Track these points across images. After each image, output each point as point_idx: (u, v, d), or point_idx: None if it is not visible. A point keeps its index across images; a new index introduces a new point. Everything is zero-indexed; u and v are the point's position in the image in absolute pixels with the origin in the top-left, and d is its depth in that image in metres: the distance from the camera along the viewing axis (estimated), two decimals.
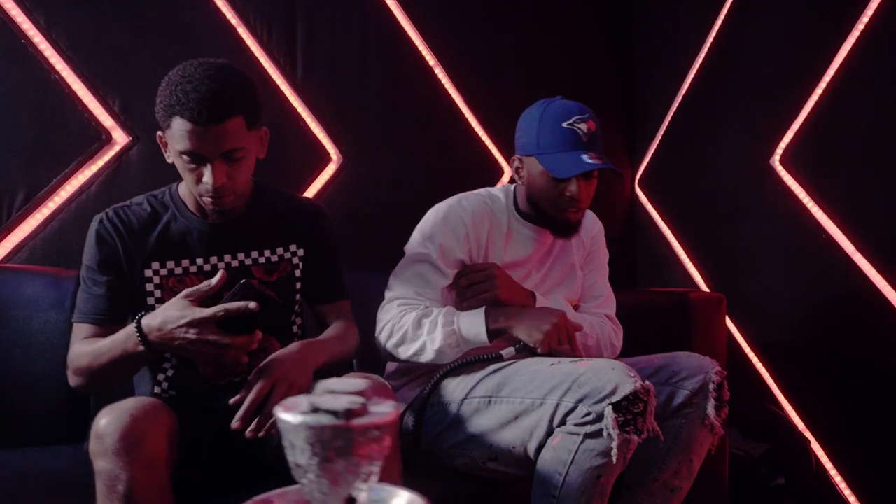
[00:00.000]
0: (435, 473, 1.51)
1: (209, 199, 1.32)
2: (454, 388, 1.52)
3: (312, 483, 0.52)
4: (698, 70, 2.54)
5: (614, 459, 1.31)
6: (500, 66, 2.55)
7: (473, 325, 1.49)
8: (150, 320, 1.20)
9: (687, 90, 2.58)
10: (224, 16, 2.15)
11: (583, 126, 1.57)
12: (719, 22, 2.45)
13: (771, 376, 2.28)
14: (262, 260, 1.44)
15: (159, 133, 1.33)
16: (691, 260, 2.58)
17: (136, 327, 1.21)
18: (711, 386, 1.49)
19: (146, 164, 2.02)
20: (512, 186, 1.75)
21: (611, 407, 1.30)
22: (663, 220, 2.69)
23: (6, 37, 1.90)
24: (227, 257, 1.41)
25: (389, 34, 2.39)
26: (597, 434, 1.32)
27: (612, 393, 1.31)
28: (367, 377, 1.27)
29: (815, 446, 2.13)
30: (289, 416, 0.52)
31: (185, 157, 1.28)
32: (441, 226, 1.61)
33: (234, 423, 1.21)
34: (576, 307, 1.72)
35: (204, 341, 1.17)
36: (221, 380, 1.42)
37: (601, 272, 1.81)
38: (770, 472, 2.12)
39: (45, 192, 1.94)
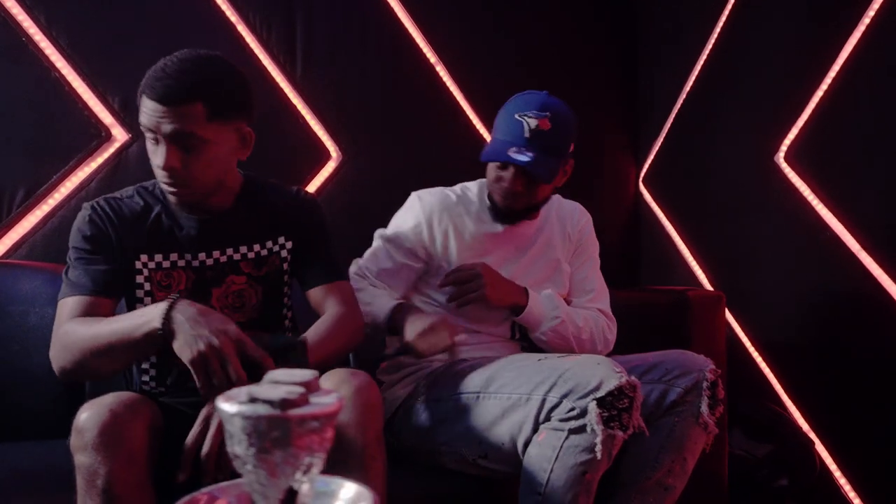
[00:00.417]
0: (425, 472, 1.50)
1: (164, 185, 1.32)
2: (444, 385, 1.51)
3: (251, 474, 0.51)
4: (702, 67, 2.51)
5: (598, 455, 1.30)
6: (502, 64, 2.53)
7: (383, 307, 1.55)
8: (190, 304, 1.17)
9: (691, 88, 2.56)
10: (224, 13, 2.16)
11: (532, 121, 1.55)
12: (723, 19, 2.42)
13: (774, 375, 2.25)
14: (251, 255, 1.43)
15: None
16: (695, 258, 2.55)
17: (174, 298, 1.17)
18: (705, 384, 1.47)
19: (145, 162, 1.98)
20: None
21: (595, 402, 1.29)
22: (667, 217, 2.67)
23: (7, 34, 1.92)
24: (216, 253, 1.40)
25: (390, 31, 2.38)
26: (581, 430, 1.31)
27: (597, 388, 1.30)
28: (356, 373, 1.27)
29: (819, 447, 2.11)
30: (226, 405, 0.51)
31: (147, 135, 1.29)
32: (401, 214, 1.71)
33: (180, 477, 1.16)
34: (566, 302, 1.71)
35: (220, 354, 1.13)
36: (206, 399, 1.38)
37: (592, 265, 1.79)
38: (773, 473, 2.09)
39: (45, 188, 1.95)
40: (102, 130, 2.01)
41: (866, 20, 1.97)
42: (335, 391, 0.57)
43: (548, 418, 1.34)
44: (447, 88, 2.46)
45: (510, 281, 1.63)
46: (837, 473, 2.08)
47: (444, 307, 1.65)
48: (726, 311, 2.26)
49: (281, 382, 0.55)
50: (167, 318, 1.15)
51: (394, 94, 2.38)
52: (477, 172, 1.74)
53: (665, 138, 2.67)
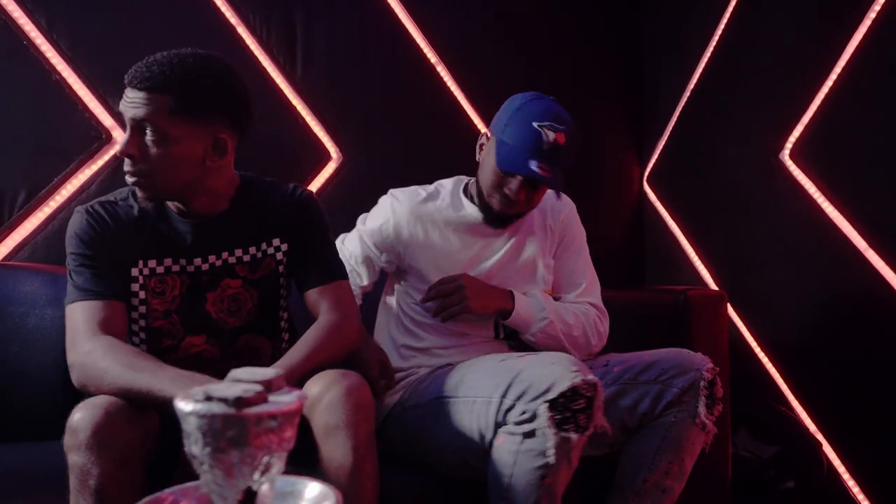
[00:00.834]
0: (418, 473, 1.49)
1: (126, 177, 1.30)
2: (424, 391, 1.50)
3: (207, 474, 0.50)
4: (706, 66, 2.49)
5: (551, 460, 1.26)
6: (504, 63, 2.52)
7: None
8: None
9: (695, 86, 2.53)
10: (223, 15, 2.16)
11: (550, 134, 1.51)
12: (727, 16, 2.40)
13: (781, 376, 2.22)
14: (246, 258, 1.41)
15: None
16: (700, 257, 2.53)
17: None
18: (702, 383, 1.44)
19: None
20: (465, 179, 1.73)
21: (546, 405, 1.25)
22: (672, 217, 2.64)
23: (8, 37, 1.93)
24: (212, 257, 1.39)
25: (390, 31, 2.37)
26: (533, 434, 1.27)
27: (548, 390, 1.26)
28: (347, 374, 1.26)
29: (827, 448, 2.07)
30: (181, 403, 0.50)
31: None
32: (374, 211, 1.72)
33: None
34: None
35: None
36: None
37: (580, 255, 1.74)
38: (779, 474, 2.06)
39: (46, 191, 1.96)
40: (103, 133, 2.02)
41: (871, 16, 1.94)
42: (298, 390, 0.56)
43: (504, 421, 1.31)
44: (448, 89, 2.45)
45: (494, 287, 1.60)
46: (846, 475, 2.04)
47: (421, 307, 1.63)
48: (731, 311, 2.24)
49: (242, 381, 0.54)
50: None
51: (394, 94, 2.37)
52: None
53: (669, 137, 2.65)
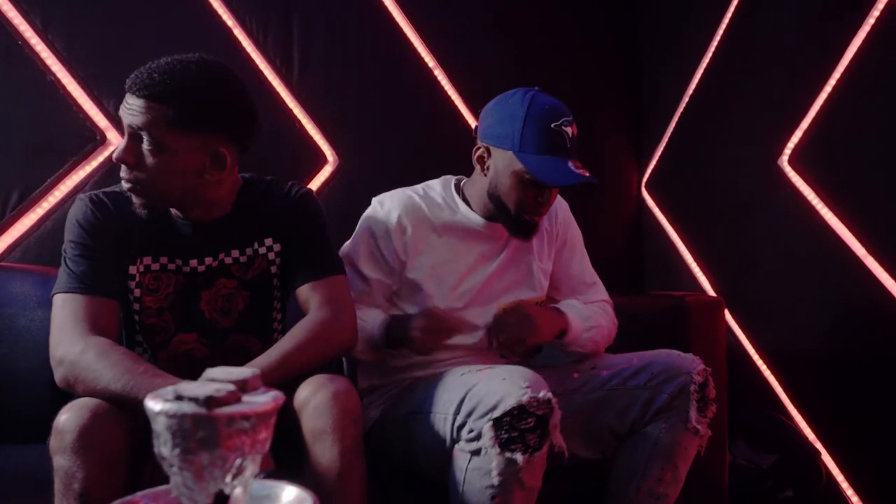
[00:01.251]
0: (406, 480, 1.47)
1: (122, 184, 1.29)
2: (400, 405, 1.48)
3: (177, 476, 0.49)
4: (705, 71, 2.48)
5: (495, 481, 1.22)
6: (502, 67, 2.50)
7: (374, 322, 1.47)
8: None
9: (693, 91, 2.52)
10: (220, 17, 2.15)
11: (569, 130, 1.46)
12: (726, 22, 2.39)
13: (779, 384, 2.20)
14: (242, 259, 1.40)
15: None
16: (698, 263, 2.51)
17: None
18: (693, 387, 1.42)
19: None
20: (452, 179, 1.65)
21: (491, 423, 1.21)
22: (670, 223, 2.63)
23: (2, 38, 1.92)
24: (209, 259, 1.38)
25: (387, 35, 2.36)
26: (479, 452, 1.24)
27: (494, 408, 1.22)
28: (334, 378, 1.24)
29: (826, 458, 2.06)
30: (151, 402, 0.49)
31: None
32: (363, 224, 1.59)
33: None
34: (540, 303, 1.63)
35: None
36: None
37: (583, 256, 1.71)
38: (778, 484, 2.05)
39: (40, 192, 1.94)
40: (97, 134, 2.01)
41: (870, 22, 1.93)
42: (275, 391, 0.54)
43: (458, 438, 1.29)
44: (445, 92, 2.44)
45: (540, 307, 1.55)
46: (844, 484, 2.03)
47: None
48: (729, 317, 2.22)
49: (216, 380, 0.52)
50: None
51: (391, 97, 2.36)
52: None
53: (668, 143, 2.63)
